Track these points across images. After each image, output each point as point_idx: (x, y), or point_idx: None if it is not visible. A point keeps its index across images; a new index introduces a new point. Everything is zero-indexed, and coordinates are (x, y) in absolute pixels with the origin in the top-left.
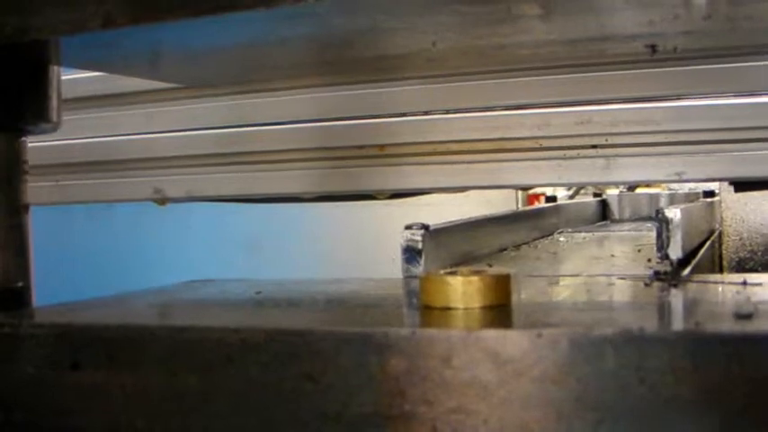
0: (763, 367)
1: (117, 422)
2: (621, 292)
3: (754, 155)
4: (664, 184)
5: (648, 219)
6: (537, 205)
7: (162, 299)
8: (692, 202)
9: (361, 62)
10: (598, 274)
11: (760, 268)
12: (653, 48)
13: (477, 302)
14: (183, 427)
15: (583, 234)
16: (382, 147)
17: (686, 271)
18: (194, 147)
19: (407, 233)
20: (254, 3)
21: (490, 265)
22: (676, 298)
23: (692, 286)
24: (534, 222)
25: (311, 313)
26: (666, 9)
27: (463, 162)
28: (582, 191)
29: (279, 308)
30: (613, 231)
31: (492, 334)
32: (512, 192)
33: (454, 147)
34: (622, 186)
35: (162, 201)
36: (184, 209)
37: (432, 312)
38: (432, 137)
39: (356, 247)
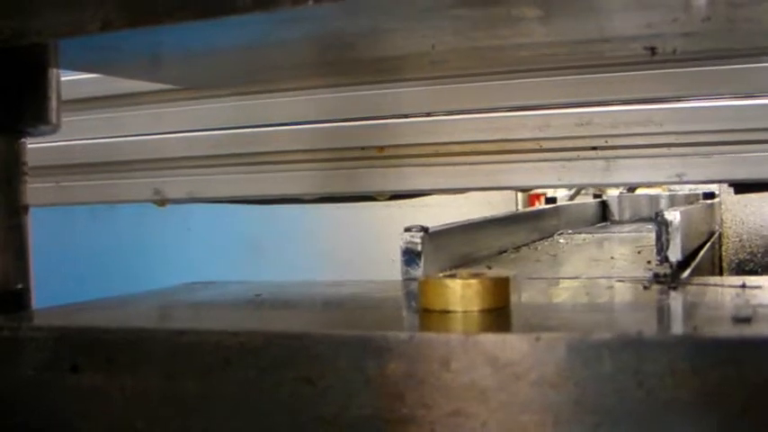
0: (762, 371)
1: (116, 425)
2: (620, 294)
3: (754, 156)
4: (664, 186)
5: (648, 220)
6: (536, 207)
7: (162, 301)
8: (691, 203)
9: (361, 63)
10: (597, 277)
11: (760, 270)
12: (652, 50)
13: (476, 305)
14: (182, 430)
15: (583, 235)
16: (381, 148)
17: (686, 273)
18: (195, 148)
19: (407, 235)
20: (252, 6)
21: (489, 268)
22: (675, 301)
23: (691, 289)
24: (534, 224)
25: (310, 316)
26: (665, 11)
27: (464, 163)
28: (582, 192)
29: (278, 310)
30: (613, 233)
31: (490, 338)
32: (512, 192)
33: (455, 148)
34: (622, 187)
35: (162, 202)
36: (186, 210)
37: (431, 315)
38: (433, 138)
39: (356, 248)
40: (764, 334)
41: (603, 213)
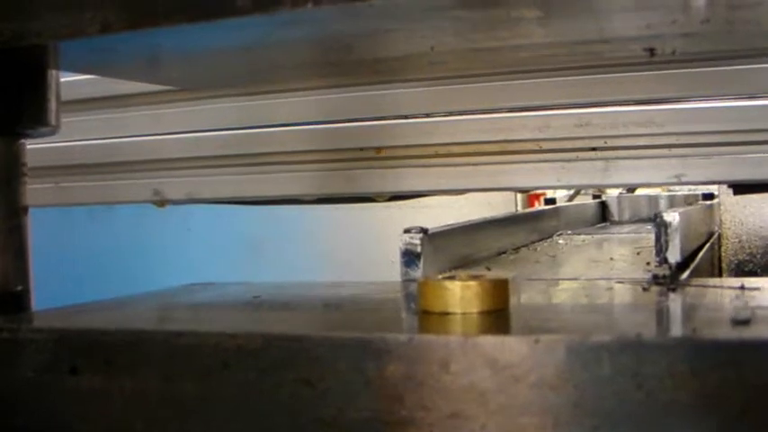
0: (761, 373)
1: (115, 427)
2: (620, 296)
3: (754, 157)
4: (663, 186)
5: (648, 220)
6: (536, 208)
7: (161, 302)
8: (690, 204)
9: (361, 64)
10: (597, 278)
11: (759, 271)
12: (651, 51)
13: (475, 307)
14: None
15: (582, 236)
16: (381, 149)
17: (685, 274)
18: (194, 149)
19: (406, 237)
20: (252, 8)
21: (489, 269)
22: (674, 303)
23: (690, 290)
24: (533, 225)
25: (309, 317)
26: (664, 13)
27: (464, 164)
28: (581, 192)
29: (277, 312)
30: (613, 234)
31: (490, 340)
32: (511, 193)
33: (455, 149)
34: (622, 188)
35: (161, 203)
36: (185, 211)
37: (430, 317)
38: (432, 139)
39: (356, 250)
40: (763, 336)
41: (603, 214)
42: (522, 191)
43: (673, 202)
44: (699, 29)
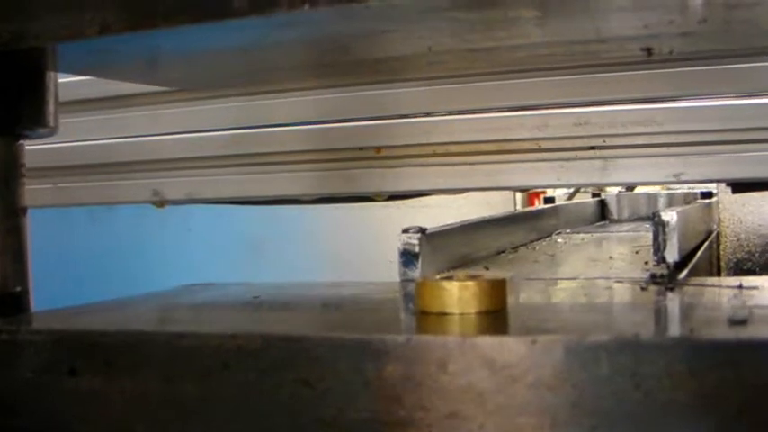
0: (759, 373)
1: (115, 428)
2: (618, 295)
3: (752, 156)
4: (662, 185)
5: (647, 219)
6: (535, 207)
7: (161, 303)
8: (689, 202)
9: (359, 64)
10: (595, 277)
11: (757, 269)
12: (649, 51)
13: (473, 308)
14: None
15: (581, 235)
16: (380, 149)
17: (683, 273)
18: (193, 149)
19: (404, 237)
20: (249, 10)
21: (487, 269)
22: (672, 302)
23: (688, 290)
24: (532, 224)
25: (309, 318)
26: (662, 13)
27: (462, 164)
28: (581, 191)
29: (277, 313)
30: (612, 232)
31: (488, 340)
32: (510, 192)
33: (454, 148)
34: (621, 187)
35: (161, 203)
36: (185, 211)
37: (428, 318)
38: (431, 138)
39: (355, 249)
40: (761, 336)
41: (602, 212)
42: (521, 190)
43: (672, 201)
44: (696, 29)
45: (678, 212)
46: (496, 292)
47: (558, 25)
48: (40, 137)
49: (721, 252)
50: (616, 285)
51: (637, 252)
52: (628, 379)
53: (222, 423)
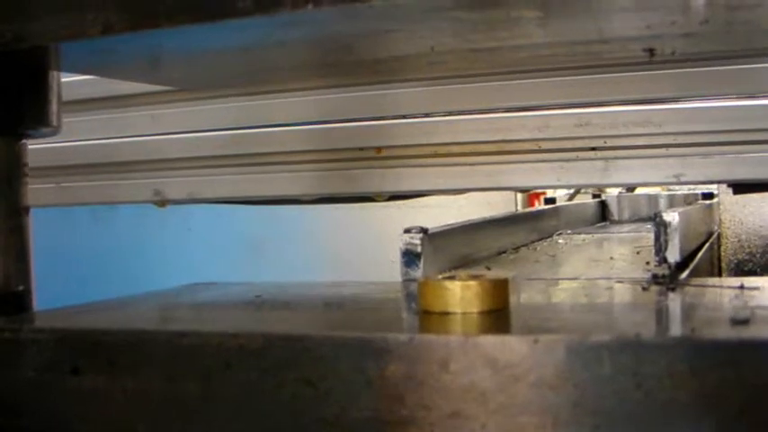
0: (759, 373)
1: (117, 427)
2: (619, 296)
3: (753, 157)
4: (663, 186)
5: (647, 220)
6: (536, 207)
7: (163, 302)
8: (690, 203)
9: (361, 65)
10: (596, 278)
11: (758, 270)
12: (651, 51)
13: (475, 307)
14: None
15: (582, 236)
16: (380, 149)
17: (684, 274)
18: (195, 149)
19: (406, 237)
20: (253, 9)
21: (489, 269)
22: (674, 302)
23: (689, 290)
24: (533, 224)
25: (310, 317)
26: (664, 14)
27: (463, 164)
28: (581, 191)
29: (278, 312)
30: (612, 233)
31: (490, 340)
32: (511, 192)
33: (454, 149)
34: (621, 187)
35: (162, 203)
36: (186, 210)
37: (430, 317)
38: (432, 139)
39: (356, 249)
40: (762, 336)
41: (603, 213)
42: (522, 190)
43: (672, 202)
44: (698, 29)
45: (680, 213)
46: (499, 292)
47: (561, 25)
48: (43, 136)
49: (722, 253)
50: (617, 286)
51: (638, 253)
52: (629, 378)
53: (224, 422)
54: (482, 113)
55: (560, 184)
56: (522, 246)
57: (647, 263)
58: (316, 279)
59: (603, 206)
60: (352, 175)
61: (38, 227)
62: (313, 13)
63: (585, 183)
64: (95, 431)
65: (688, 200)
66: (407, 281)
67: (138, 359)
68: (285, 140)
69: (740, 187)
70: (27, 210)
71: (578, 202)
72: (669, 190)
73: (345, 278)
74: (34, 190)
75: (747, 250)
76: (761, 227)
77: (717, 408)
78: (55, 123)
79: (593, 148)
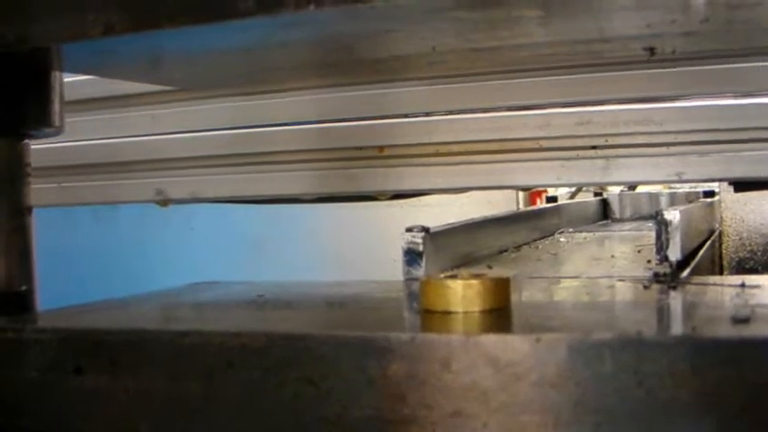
0: (760, 371)
1: (120, 426)
2: (621, 294)
3: (754, 155)
4: (664, 184)
5: (649, 218)
6: (537, 206)
7: (165, 302)
8: (691, 201)
9: (362, 64)
10: (598, 276)
11: (760, 268)
12: (651, 50)
13: (477, 306)
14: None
15: (583, 234)
16: (382, 148)
17: (685, 272)
18: (197, 148)
19: (408, 236)
20: (255, 10)
21: (490, 267)
22: (675, 301)
23: (690, 288)
24: (535, 223)
25: (312, 317)
26: (664, 13)
27: (464, 163)
28: (582, 189)
29: (280, 311)
30: (614, 231)
31: (491, 339)
32: (513, 191)
33: (455, 148)
34: (623, 186)
35: (164, 202)
36: (188, 210)
37: (432, 316)
38: (433, 138)
39: (358, 248)
40: (763, 334)
41: (604, 211)
42: (523, 189)
43: (674, 200)
44: (698, 28)
45: (681, 212)
46: (500, 291)
47: (561, 25)
48: (46, 136)
49: (723, 251)
50: (619, 284)
51: (639, 251)
52: (630, 377)
53: (226, 421)
54: (483, 112)
55: (561, 183)
56: (524, 244)
57: (649, 261)
58: (318, 278)
59: (605, 204)
60: (354, 174)
61: (39, 227)
62: (315, 14)
63: (586, 181)
64: (98, 431)
65: (689, 198)
66: (409, 280)
67: (140, 359)
68: (287, 140)
69: (741, 185)
70: (30, 210)
71: (580, 200)
72: (670, 188)
73: (347, 276)
74: (36, 190)
75: (749, 248)
76: (762, 225)
77: (718, 406)
78: (57, 124)
79: (594, 147)
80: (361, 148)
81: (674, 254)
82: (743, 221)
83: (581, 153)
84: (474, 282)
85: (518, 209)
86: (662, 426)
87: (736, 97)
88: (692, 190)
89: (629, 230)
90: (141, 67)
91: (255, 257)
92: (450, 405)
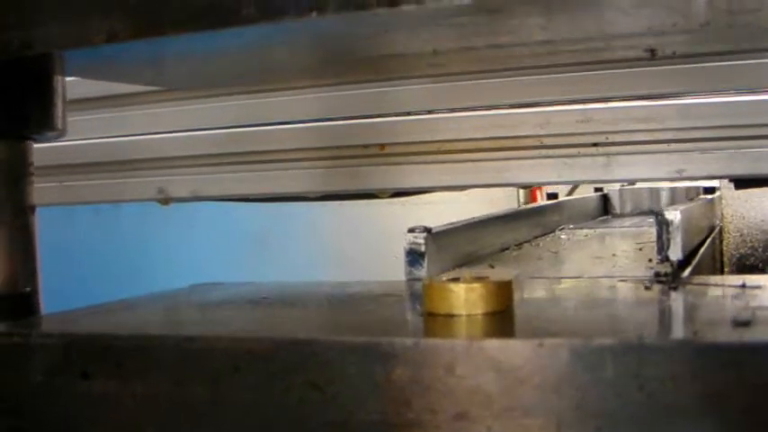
0: (762, 374)
1: (127, 431)
2: (622, 295)
3: (755, 152)
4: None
5: (649, 213)
6: (538, 203)
7: (170, 304)
8: (692, 198)
9: (363, 63)
10: (599, 276)
11: (761, 265)
12: (652, 52)
13: (479, 309)
14: None
15: (584, 231)
16: (383, 146)
17: (686, 271)
18: (198, 147)
19: (410, 236)
20: (257, 17)
21: (492, 267)
22: (676, 302)
23: (691, 289)
24: (536, 220)
25: (318, 320)
26: (665, 16)
27: (466, 161)
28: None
29: (285, 314)
30: (615, 227)
31: (494, 343)
32: (513, 188)
33: (457, 145)
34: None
35: (165, 201)
36: (190, 208)
37: (435, 319)
38: (434, 136)
39: (360, 246)
40: (763, 339)
41: (605, 207)
42: (525, 186)
43: (674, 195)
44: (699, 31)
45: (682, 211)
46: (502, 293)
47: (562, 29)
48: (48, 140)
49: (724, 248)
50: (620, 285)
51: (640, 249)
52: (632, 381)
53: (232, 426)
54: (484, 110)
55: (562, 180)
56: (525, 242)
57: (650, 260)
58: (320, 275)
59: (605, 200)
60: (355, 171)
61: (41, 226)
62: (317, 21)
63: (587, 178)
64: None
65: (690, 194)
66: (411, 280)
67: (147, 363)
68: (289, 138)
69: (742, 182)
70: (33, 208)
71: (580, 196)
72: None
73: (349, 273)
74: (37, 189)
75: (749, 245)
76: (762, 221)
77: (719, 410)
78: (60, 127)
79: (595, 144)
80: (363, 146)
81: (675, 254)
82: (743, 218)
83: (582, 150)
84: (476, 285)
85: (519, 205)
86: (663, 429)
87: (736, 94)
88: (693, 185)
89: (629, 227)
90: (144, 71)
91: (257, 255)
92: (455, 409)
